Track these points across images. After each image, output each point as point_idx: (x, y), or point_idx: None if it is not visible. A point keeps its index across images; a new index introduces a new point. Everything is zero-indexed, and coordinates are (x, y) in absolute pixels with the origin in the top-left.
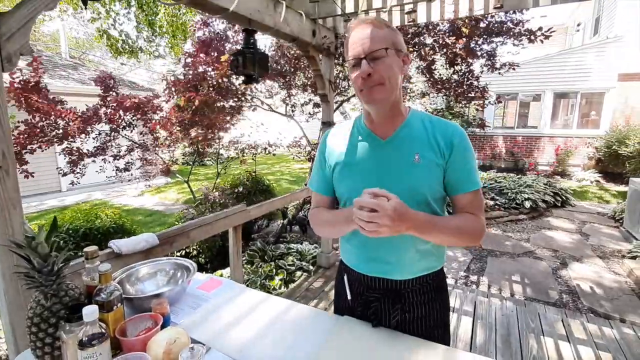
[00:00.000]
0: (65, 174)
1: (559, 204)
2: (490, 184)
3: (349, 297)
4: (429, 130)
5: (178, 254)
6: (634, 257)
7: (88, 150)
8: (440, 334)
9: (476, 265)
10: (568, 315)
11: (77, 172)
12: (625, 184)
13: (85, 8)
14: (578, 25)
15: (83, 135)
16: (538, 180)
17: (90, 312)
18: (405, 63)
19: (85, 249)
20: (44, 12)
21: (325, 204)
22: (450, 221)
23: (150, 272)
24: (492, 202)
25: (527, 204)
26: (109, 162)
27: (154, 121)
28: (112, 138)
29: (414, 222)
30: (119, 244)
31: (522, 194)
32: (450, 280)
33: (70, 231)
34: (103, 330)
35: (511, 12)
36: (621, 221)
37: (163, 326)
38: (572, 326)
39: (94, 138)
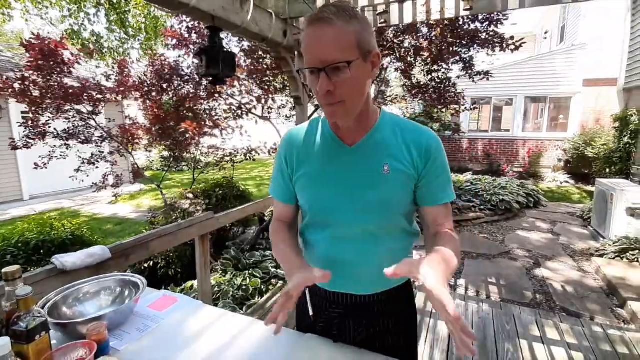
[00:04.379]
0: (15, 148)
1: (532, 205)
2: (467, 186)
3: (310, 312)
4: (400, 139)
5: (145, 265)
6: (601, 255)
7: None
8: (410, 348)
9: None
10: (542, 316)
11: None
12: (592, 185)
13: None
14: (545, 33)
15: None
16: (512, 182)
17: None
18: (375, 65)
19: (4, 269)
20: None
21: (287, 214)
22: (450, 253)
23: (93, 291)
24: (469, 204)
25: (502, 206)
26: (74, 147)
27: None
28: (86, 121)
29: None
30: (63, 259)
31: (498, 196)
32: None
33: (20, 244)
34: None
35: (487, 24)
36: (589, 220)
37: (98, 355)
38: (546, 327)
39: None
